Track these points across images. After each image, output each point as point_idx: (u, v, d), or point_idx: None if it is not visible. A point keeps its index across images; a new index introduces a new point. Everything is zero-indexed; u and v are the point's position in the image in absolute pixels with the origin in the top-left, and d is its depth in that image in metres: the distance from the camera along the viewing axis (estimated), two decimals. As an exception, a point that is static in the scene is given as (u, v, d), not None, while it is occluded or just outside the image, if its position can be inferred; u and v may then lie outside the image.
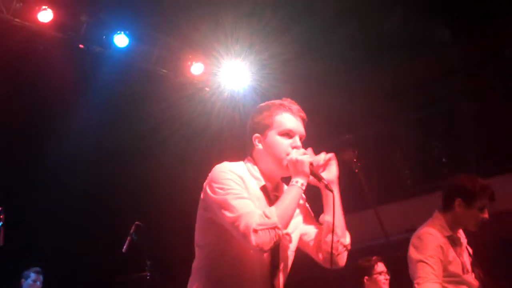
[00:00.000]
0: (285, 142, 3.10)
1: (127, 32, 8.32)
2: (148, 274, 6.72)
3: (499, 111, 9.39)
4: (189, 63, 8.97)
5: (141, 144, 9.66)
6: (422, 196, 9.25)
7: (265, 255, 3.01)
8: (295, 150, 3.07)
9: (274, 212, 2.88)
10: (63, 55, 8.29)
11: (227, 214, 2.90)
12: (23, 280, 7.27)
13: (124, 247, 6.72)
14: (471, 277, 4.31)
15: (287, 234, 2.99)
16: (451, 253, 4.25)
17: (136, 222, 6.84)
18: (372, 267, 5.92)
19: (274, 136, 3.11)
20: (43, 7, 7.77)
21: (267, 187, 3.13)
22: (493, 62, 9.53)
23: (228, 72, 9.24)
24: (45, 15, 7.82)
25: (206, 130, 9.91)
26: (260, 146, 3.15)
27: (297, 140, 3.11)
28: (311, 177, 3.08)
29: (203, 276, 3.06)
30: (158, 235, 7.95)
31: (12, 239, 6.35)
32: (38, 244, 8.71)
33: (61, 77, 8.39)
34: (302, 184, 2.99)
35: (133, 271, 6.98)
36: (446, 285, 4.18)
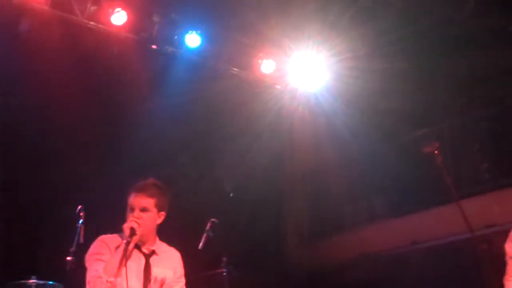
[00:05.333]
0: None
1: (198, 31, 8.37)
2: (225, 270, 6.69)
3: None
4: (259, 61, 8.96)
5: (208, 141, 9.57)
6: (500, 191, 8.93)
7: None
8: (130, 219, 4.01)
9: (102, 266, 3.84)
10: (136, 57, 8.40)
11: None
12: None
13: (201, 244, 6.73)
14: None
15: (108, 281, 3.79)
16: None
17: (212, 219, 6.83)
18: None
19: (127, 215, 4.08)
20: (117, 9, 7.88)
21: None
22: None
23: (299, 69, 9.17)
24: (119, 17, 7.93)
25: (276, 128, 9.88)
26: None
27: (135, 212, 4.03)
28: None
29: None
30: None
31: None
32: None
33: (134, 79, 8.50)
34: (125, 243, 3.89)
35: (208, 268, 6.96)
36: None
